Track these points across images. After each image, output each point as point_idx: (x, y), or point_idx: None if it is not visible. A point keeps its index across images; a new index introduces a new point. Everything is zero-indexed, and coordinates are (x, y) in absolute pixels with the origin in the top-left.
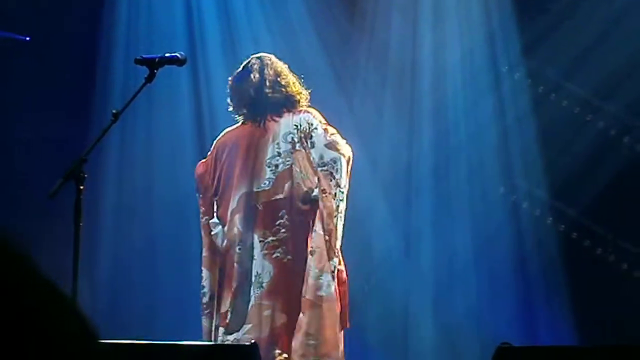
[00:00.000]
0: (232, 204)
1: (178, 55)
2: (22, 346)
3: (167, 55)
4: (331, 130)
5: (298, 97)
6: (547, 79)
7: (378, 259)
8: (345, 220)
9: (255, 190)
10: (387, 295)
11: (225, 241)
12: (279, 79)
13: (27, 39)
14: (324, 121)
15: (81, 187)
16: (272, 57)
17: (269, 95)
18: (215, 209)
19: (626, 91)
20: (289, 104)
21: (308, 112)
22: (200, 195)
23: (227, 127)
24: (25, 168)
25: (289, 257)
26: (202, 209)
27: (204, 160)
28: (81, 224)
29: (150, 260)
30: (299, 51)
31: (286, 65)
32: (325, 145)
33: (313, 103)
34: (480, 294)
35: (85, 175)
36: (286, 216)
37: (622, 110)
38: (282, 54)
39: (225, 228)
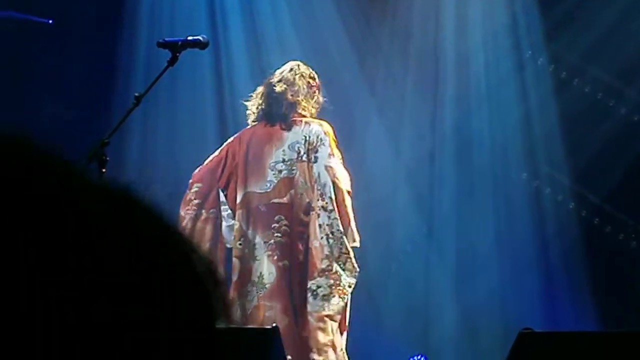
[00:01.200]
0: (238, 200)
1: (200, 38)
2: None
3: (189, 38)
4: (337, 154)
5: (311, 109)
6: (570, 64)
7: (400, 243)
8: (365, 207)
9: (257, 191)
10: (409, 280)
11: (233, 236)
12: (304, 88)
13: (50, 21)
14: (334, 141)
15: (103, 170)
16: (304, 66)
17: (290, 101)
18: (218, 203)
19: None
20: (299, 113)
21: (321, 125)
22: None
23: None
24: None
25: (286, 262)
26: (197, 201)
27: (215, 155)
28: None
29: None
30: (321, 35)
31: (315, 75)
32: (325, 167)
33: (335, 88)
34: (502, 279)
35: (108, 158)
36: (284, 222)
37: None
38: (303, 38)
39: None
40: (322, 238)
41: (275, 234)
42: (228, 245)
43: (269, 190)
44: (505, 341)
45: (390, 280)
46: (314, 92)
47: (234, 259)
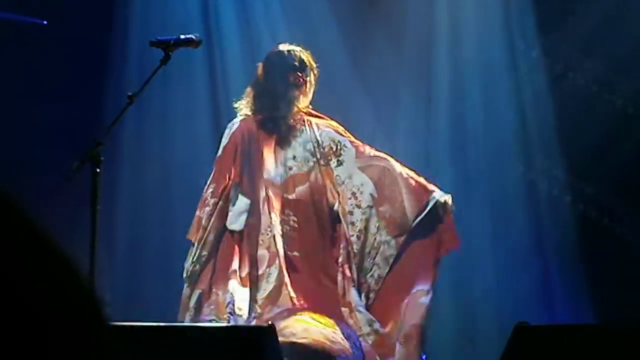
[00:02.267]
0: (261, 192)
1: (193, 37)
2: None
3: (182, 37)
4: (368, 150)
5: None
6: (564, 58)
7: None
8: None
9: (272, 181)
10: None
11: (246, 226)
12: (312, 82)
13: (44, 22)
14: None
15: (98, 170)
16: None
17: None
18: (232, 193)
19: None
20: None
21: (330, 127)
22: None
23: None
24: (40, 152)
25: (296, 253)
26: (217, 192)
27: (225, 145)
28: (98, 207)
29: (167, 243)
30: (314, 33)
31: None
32: (359, 168)
33: (328, 88)
34: (498, 273)
35: (102, 158)
36: (292, 217)
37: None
38: (297, 37)
39: (248, 214)
40: (353, 236)
41: (285, 226)
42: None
43: (280, 184)
44: (502, 336)
45: None
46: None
47: (266, 250)
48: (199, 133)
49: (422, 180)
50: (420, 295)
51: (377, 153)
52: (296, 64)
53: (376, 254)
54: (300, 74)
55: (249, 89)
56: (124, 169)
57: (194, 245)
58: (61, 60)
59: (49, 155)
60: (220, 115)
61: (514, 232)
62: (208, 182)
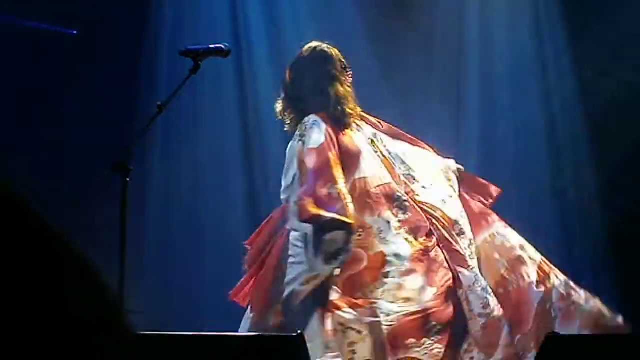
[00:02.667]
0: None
1: (222, 46)
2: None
3: (211, 46)
4: None
5: None
6: (594, 65)
7: None
8: None
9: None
10: None
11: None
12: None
13: (74, 32)
14: None
15: (127, 180)
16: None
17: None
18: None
19: None
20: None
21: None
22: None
23: (272, 119)
24: (72, 162)
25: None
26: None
27: (319, 147)
28: (127, 217)
29: (196, 251)
30: (343, 42)
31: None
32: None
33: (358, 97)
34: None
35: (131, 168)
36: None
37: None
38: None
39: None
40: None
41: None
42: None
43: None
44: None
45: None
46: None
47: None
48: (227, 141)
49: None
50: None
51: None
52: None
53: None
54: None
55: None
56: (154, 178)
57: None
58: (92, 70)
59: (79, 164)
60: (249, 124)
61: (543, 241)
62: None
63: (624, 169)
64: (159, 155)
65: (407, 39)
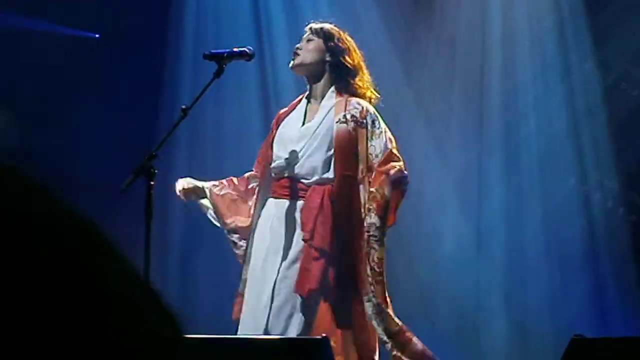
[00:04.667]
0: None
1: (246, 50)
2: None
3: (235, 50)
4: None
5: None
6: (617, 69)
7: (449, 252)
8: (413, 218)
9: None
10: (458, 290)
11: None
12: None
13: (97, 36)
14: None
15: (152, 183)
16: None
17: None
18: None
19: None
20: None
21: None
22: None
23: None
24: (95, 164)
25: None
26: None
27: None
28: (152, 220)
29: (220, 255)
30: (366, 44)
31: None
32: None
33: (381, 90)
34: (552, 287)
35: (156, 171)
36: None
37: None
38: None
39: None
40: None
41: None
42: None
43: None
44: (556, 349)
45: (440, 289)
46: None
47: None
48: (251, 145)
49: None
50: None
51: None
52: None
53: None
54: None
55: None
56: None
57: None
58: (116, 74)
59: (104, 168)
60: (272, 127)
61: (568, 244)
62: None
63: None
64: (183, 158)
65: (428, 41)
